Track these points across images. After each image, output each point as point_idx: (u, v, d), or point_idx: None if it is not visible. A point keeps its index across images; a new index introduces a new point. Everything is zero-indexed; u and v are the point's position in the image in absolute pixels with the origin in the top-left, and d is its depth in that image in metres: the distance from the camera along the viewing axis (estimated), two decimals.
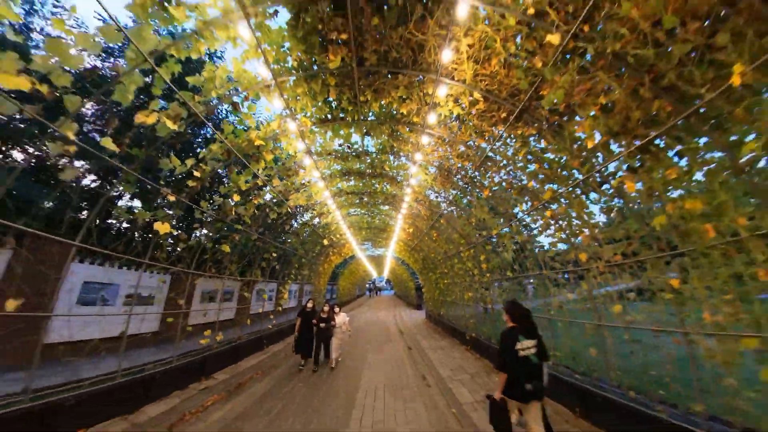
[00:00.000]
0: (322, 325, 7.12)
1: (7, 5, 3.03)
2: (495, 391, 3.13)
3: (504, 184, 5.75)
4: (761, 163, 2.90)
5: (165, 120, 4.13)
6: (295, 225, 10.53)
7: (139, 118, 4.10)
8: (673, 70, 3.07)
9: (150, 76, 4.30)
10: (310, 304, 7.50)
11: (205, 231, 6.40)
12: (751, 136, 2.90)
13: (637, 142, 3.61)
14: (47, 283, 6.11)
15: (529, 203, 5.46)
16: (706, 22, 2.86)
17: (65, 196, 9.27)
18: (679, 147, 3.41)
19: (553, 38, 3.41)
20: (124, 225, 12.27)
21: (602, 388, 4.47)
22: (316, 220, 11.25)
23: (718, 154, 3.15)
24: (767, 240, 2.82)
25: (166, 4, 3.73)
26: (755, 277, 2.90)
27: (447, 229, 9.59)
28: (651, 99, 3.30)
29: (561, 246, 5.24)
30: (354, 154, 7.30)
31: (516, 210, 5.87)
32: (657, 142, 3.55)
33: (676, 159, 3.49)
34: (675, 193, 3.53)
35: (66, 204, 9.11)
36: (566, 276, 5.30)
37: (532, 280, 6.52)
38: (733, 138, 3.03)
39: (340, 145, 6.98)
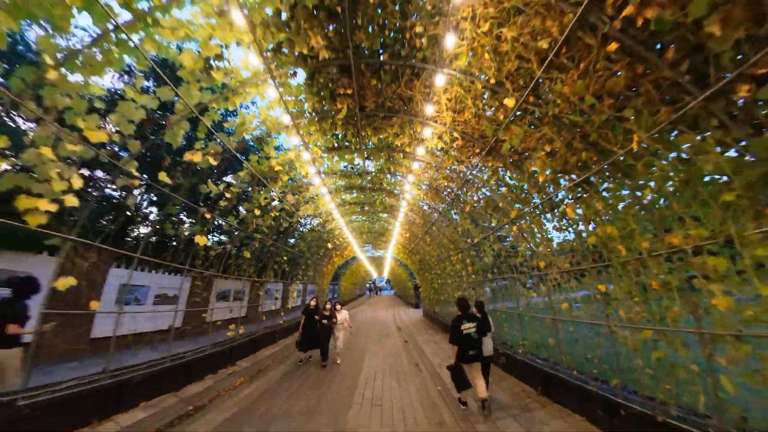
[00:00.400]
0: (324, 321, 7.73)
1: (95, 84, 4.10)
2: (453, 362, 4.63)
3: (482, 202, 6.83)
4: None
5: (209, 158, 5.21)
6: (303, 230, 11.63)
7: (188, 156, 5.19)
8: (595, 132, 4.12)
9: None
10: (313, 302, 8.16)
11: (228, 239, 7.48)
12: (652, 183, 3.96)
13: (576, 178, 4.68)
14: (96, 285, 7.23)
15: (502, 218, 6.55)
16: (618, 99, 3.90)
17: (121, 214, 10.40)
18: (605, 185, 4.49)
19: (509, 102, 4.47)
20: (143, 231, 13.57)
21: (557, 370, 5.58)
22: (322, 226, 12.35)
23: (637, 193, 4.20)
24: (659, 260, 3.89)
25: (209, 70, 4.81)
26: (652, 286, 3.98)
27: (439, 235, 10.69)
28: (581, 150, 4.36)
29: (527, 254, 6.33)
30: (356, 173, 8.40)
31: (491, 224, 6.95)
32: (592, 179, 4.61)
33: (605, 194, 4.56)
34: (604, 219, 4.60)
35: (126, 223, 10.25)
36: (531, 279, 6.40)
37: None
38: (640, 182, 4.09)
39: (345, 167, 8.07)
